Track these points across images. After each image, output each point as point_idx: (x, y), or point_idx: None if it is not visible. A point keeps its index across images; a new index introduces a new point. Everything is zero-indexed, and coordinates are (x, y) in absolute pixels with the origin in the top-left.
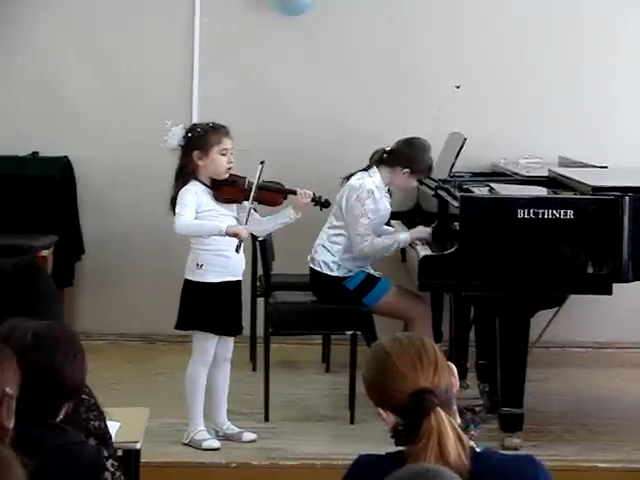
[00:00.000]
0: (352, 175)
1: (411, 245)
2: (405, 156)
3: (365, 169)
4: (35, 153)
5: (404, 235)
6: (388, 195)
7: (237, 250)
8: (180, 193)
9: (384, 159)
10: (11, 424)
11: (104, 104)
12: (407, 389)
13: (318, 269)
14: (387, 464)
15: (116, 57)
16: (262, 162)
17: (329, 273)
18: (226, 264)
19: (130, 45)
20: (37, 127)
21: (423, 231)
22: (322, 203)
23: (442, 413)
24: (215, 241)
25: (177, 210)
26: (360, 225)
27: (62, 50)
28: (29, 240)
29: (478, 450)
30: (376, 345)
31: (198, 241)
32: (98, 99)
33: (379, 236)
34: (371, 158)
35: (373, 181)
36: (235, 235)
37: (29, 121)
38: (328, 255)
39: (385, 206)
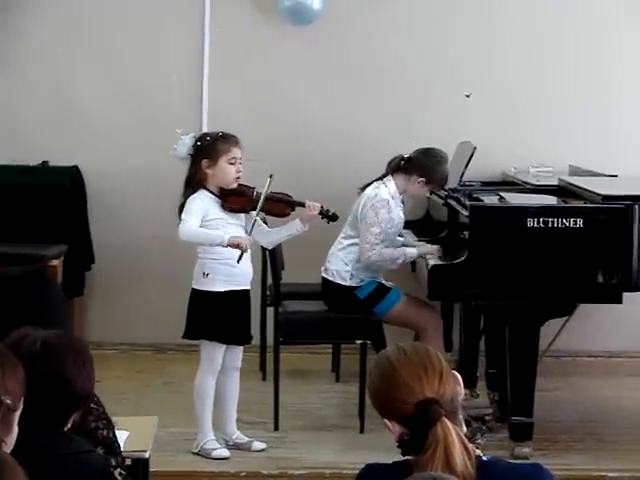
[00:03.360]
0: (368, 185)
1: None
2: (423, 165)
3: (380, 178)
4: (45, 162)
5: (412, 250)
6: (402, 204)
7: (238, 261)
8: (188, 201)
9: (401, 166)
10: (8, 436)
11: (114, 113)
12: (413, 400)
13: (331, 278)
14: (394, 473)
15: (126, 67)
16: (271, 175)
17: (342, 283)
18: (232, 273)
19: (141, 55)
20: (47, 136)
21: (432, 249)
22: (330, 216)
23: (448, 423)
24: (221, 250)
25: (183, 216)
26: (371, 234)
27: (72, 60)
28: (39, 249)
29: (484, 458)
30: (380, 355)
31: (204, 250)
32: (108, 108)
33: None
34: (389, 164)
35: (388, 191)
36: (237, 246)
37: (39, 130)
38: (342, 265)
39: (399, 215)
